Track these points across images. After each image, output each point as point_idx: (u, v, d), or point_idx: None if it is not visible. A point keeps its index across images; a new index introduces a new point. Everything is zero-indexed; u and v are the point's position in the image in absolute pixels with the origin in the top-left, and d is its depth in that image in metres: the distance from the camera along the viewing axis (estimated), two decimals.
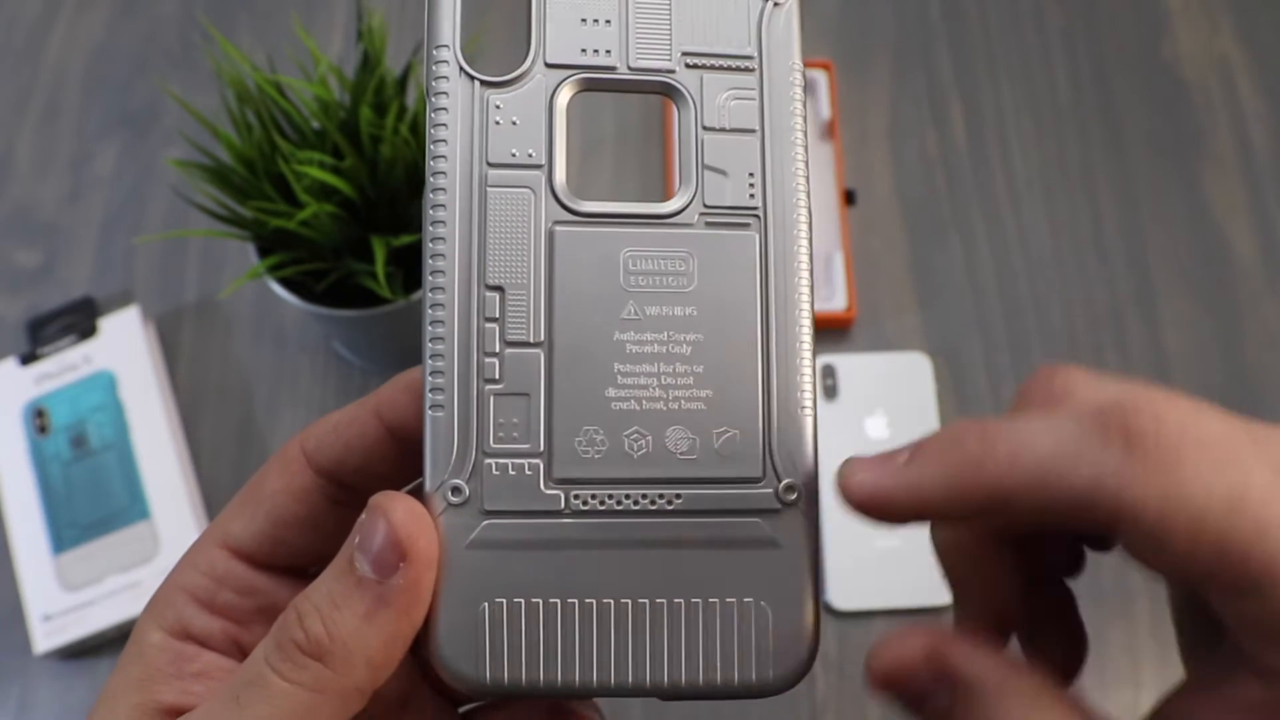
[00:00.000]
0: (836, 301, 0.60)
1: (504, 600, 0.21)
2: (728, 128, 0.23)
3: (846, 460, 0.21)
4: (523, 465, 0.21)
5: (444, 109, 0.22)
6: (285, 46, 0.58)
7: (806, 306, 0.23)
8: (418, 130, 0.48)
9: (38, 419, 0.58)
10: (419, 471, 0.22)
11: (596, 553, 0.22)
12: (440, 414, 0.21)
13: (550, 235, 0.22)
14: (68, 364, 0.59)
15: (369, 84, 0.47)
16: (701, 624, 0.22)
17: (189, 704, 0.23)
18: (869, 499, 0.21)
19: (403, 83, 0.49)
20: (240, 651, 0.24)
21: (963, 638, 0.21)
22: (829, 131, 0.65)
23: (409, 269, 0.51)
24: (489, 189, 0.22)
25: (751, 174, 0.23)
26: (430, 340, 0.21)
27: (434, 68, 0.22)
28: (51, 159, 0.66)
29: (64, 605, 0.54)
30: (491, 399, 0.21)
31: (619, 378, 0.22)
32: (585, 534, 0.22)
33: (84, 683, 0.54)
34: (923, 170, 0.66)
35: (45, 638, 0.53)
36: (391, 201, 0.49)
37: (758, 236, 0.23)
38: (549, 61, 0.23)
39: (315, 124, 0.49)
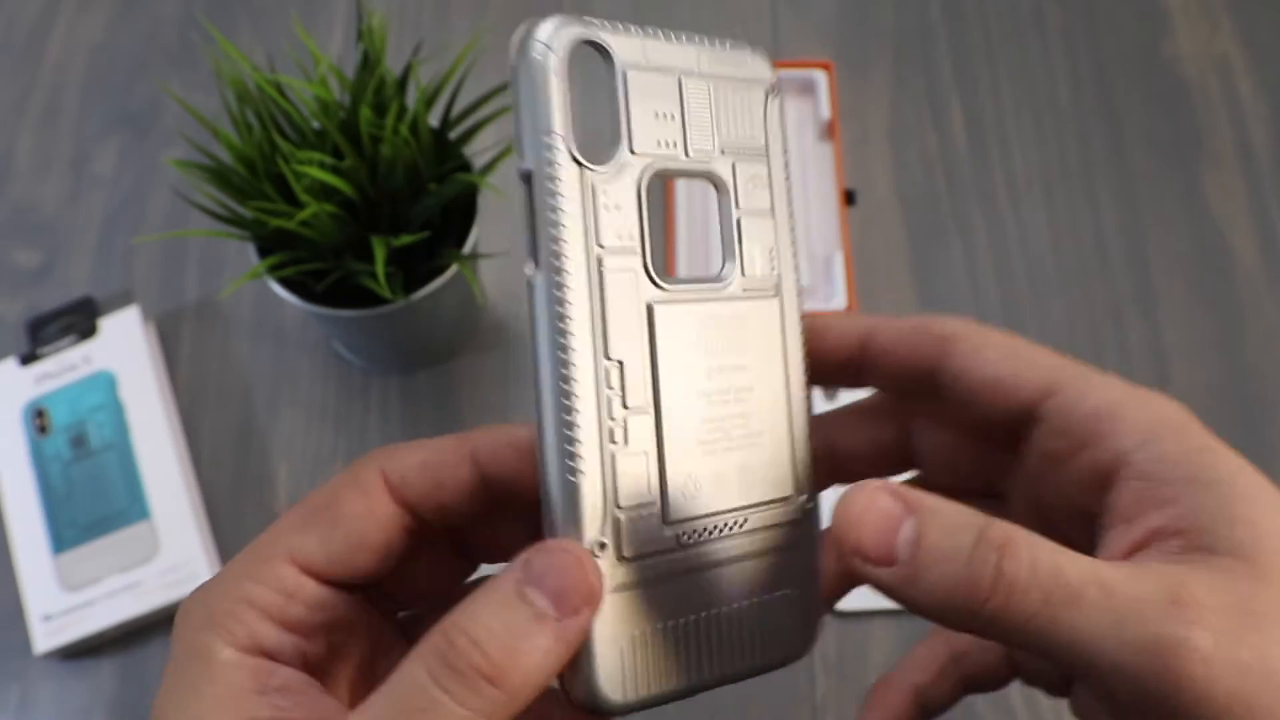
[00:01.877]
0: (836, 301, 0.60)
1: (642, 630, 0.24)
2: (753, 210, 0.27)
3: (845, 503, 0.23)
4: (646, 514, 0.24)
5: (562, 195, 0.25)
6: (285, 46, 0.58)
7: (805, 355, 0.28)
8: (418, 130, 0.48)
9: (38, 419, 0.58)
10: (506, 515, 0.26)
11: (698, 575, 0.25)
12: (581, 478, 0.23)
13: (650, 310, 0.25)
14: (68, 364, 0.59)
15: (369, 84, 0.47)
16: (761, 615, 0.26)
17: (283, 719, 0.23)
18: (862, 574, 0.23)
19: (403, 83, 0.49)
20: (306, 664, 0.24)
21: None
22: (829, 131, 0.65)
23: (409, 269, 0.51)
24: (605, 271, 0.24)
25: (771, 250, 0.27)
26: (565, 412, 0.23)
27: (547, 154, 0.24)
28: (51, 159, 0.66)
29: (64, 605, 0.54)
30: (618, 460, 0.24)
31: (704, 429, 0.25)
32: (691, 562, 0.25)
33: (84, 683, 0.54)
34: (923, 170, 0.66)
35: (45, 638, 0.53)
36: (392, 201, 0.49)
37: (779, 302, 0.27)
38: (634, 150, 0.25)
39: (315, 124, 0.49)
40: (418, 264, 0.51)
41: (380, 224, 0.49)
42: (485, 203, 0.52)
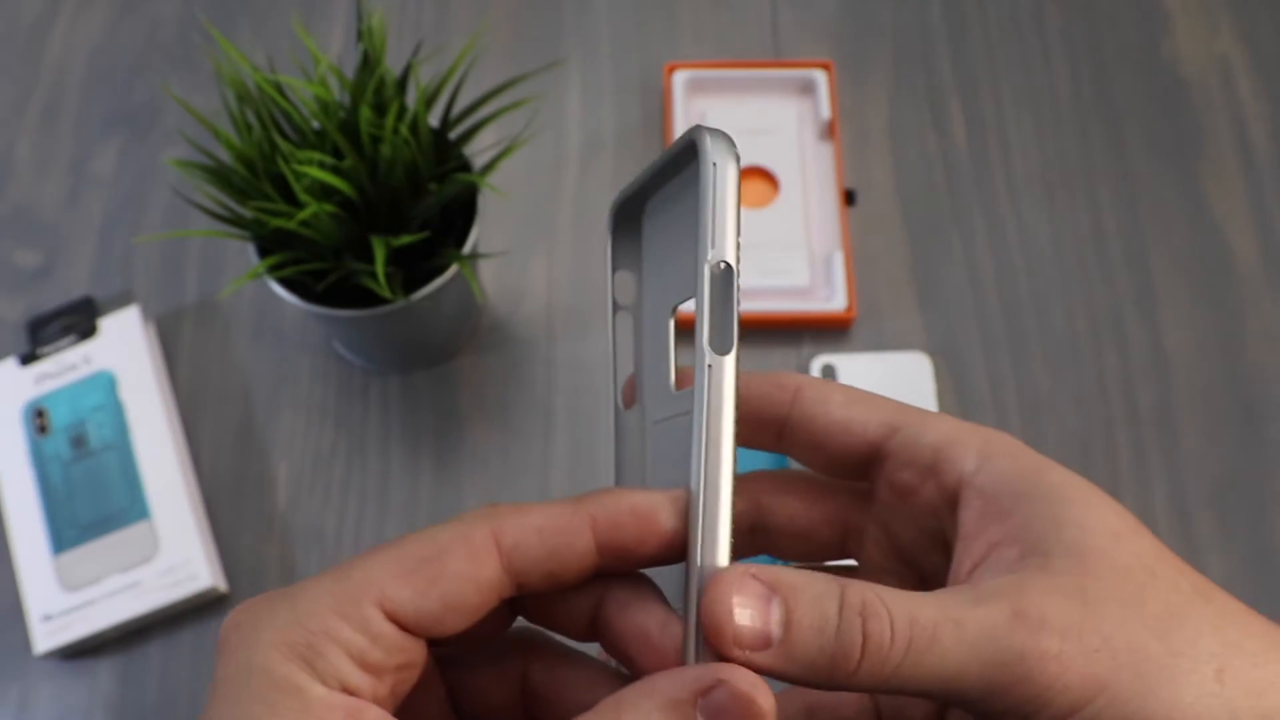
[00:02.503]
0: (836, 301, 0.60)
1: None
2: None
3: (714, 590, 0.23)
4: None
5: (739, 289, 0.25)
6: (285, 46, 0.58)
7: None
8: (418, 130, 0.48)
9: (38, 419, 0.58)
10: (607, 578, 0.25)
11: None
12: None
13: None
14: (67, 364, 0.59)
15: (369, 84, 0.47)
16: None
17: None
18: (741, 661, 0.23)
19: (403, 83, 0.49)
20: (380, 700, 0.24)
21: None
22: (829, 131, 0.65)
23: (409, 269, 0.51)
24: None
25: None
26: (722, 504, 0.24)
27: (739, 253, 0.25)
28: (51, 159, 0.66)
29: (64, 605, 0.54)
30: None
31: None
32: None
33: (84, 683, 0.54)
34: (923, 170, 0.66)
35: (45, 638, 0.53)
36: (392, 201, 0.49)
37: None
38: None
39: (315, 124, 0.49)
40: (418, 264, 0.51)
41: (380, 224, 0.49)
42: (485, 202, 0.52)
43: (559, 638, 0.28)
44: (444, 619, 0.24)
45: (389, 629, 0.24)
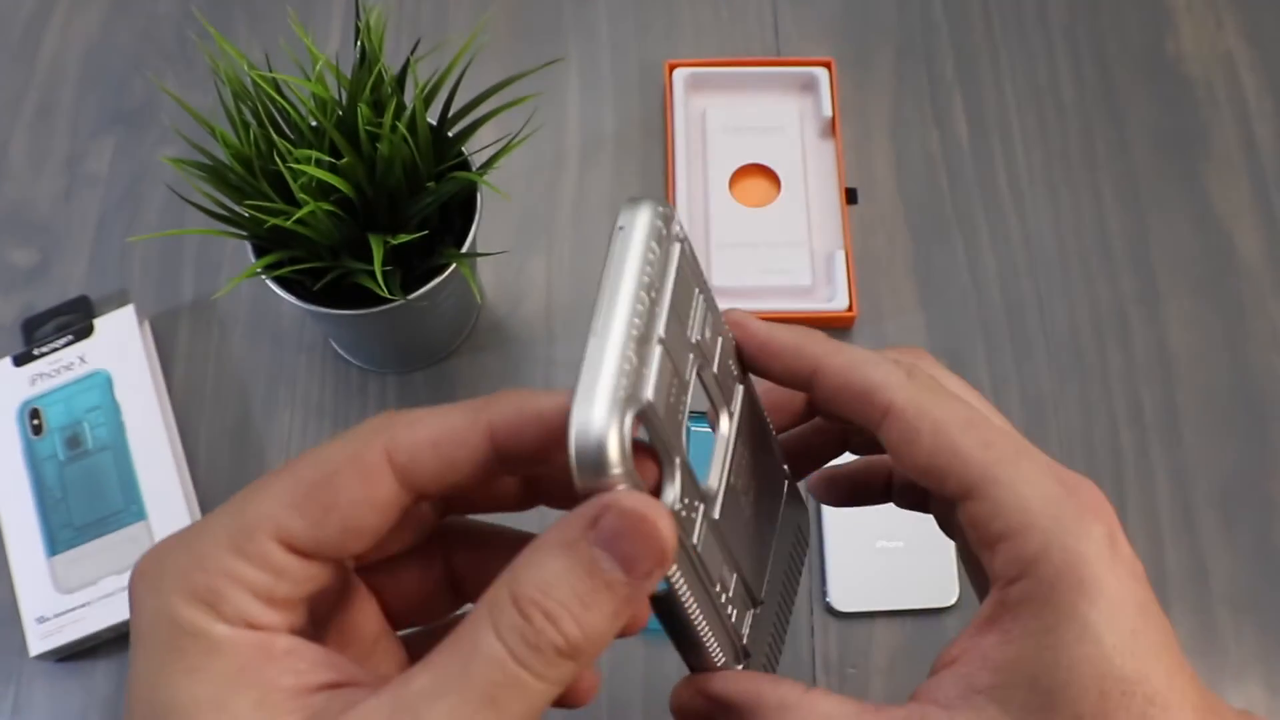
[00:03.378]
0: (838, 301, 0.60)
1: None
2: None
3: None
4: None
5: None
6: (282, 44, 0.58)
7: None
8: (416, 128, 0.47)
9: (33, 419, 0.57)
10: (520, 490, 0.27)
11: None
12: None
13: None
14: (63, 364, 0.58)
15: (367, 81, 0.46)
16: None
17: (307, 684, 0.22)
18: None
19: (401, 80, 0.48)
20: (295, 626, 0.24)
21: (719, 675, 0.27)
22: (830, 130, 0.65)
23: (407, 268, 0.50)
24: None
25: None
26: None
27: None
28: (46, 157, 0.66)
29: (59, 607, 0.53)
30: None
31: None
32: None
33: (79, 685, 0.54)
34: (925, 168, 0.65)
35: (40, 640, 0.53)
36: (389, 200, 0.49)
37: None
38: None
39: (312, 122, 0.49)
40: (416, 263, 0.51)
41: (378, 222, 0.49)
42: (484, 201, 0.52)
43: (475, 518, 0.28)
44: (345, 543, 0.23)
45: (291, 560, 0.23)
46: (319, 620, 0.25)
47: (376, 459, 0.23)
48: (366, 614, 0.27)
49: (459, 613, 0.30)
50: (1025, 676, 0.24)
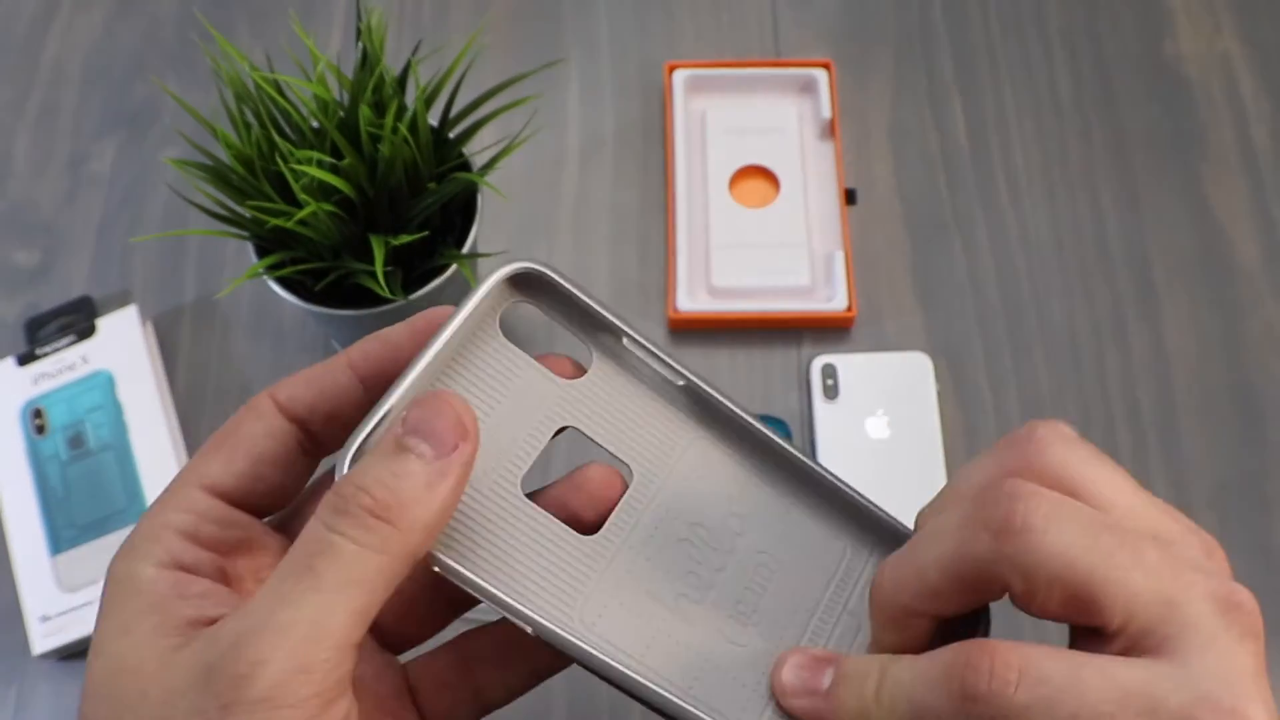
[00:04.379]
0: (837, 301, 0.60)
1: None
2: None
3: (779, 666, 0.27)
4: None
5: None
6: (284, 45, 0.58)
7: None
8: (417, 129, 0.48)
9: (35, 419, 0.57)
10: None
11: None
12: None
13: None
14: (65, 364, 0.58)
15: (368, 82, 0.46)
16: None
17: (210, 617, 0.24)
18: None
19: (402, 81, 0.49)
20: (227, 579, 0.27)
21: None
22: (829, 131, 0.65)
23: (408, 268, 0.51)
24: None
25: None
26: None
27: None
28: (49, 158, 0.66)
29: (62, 606, 0.54)
30: None
31: None
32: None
33: (81, 684, 0.54)
34: (924, 169, 0.65)
35: (43, 638, 0.53)
36: (391, 200, 0.49)
37: None
38: None
39: (314, 123, 0.49)
40: (417, 263, 0.51)
41: (379, 223, 0.49)
42: (485, 202, 0.52)
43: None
44: (259, 475, 0.27)
45: (215, 503, 0.26)
46: (260, 576, 0.27)
47: (264, 402, 0.27)
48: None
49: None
50: None
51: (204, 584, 0.25)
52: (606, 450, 0.29)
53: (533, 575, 0.27)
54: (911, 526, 0.29)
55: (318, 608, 0.22)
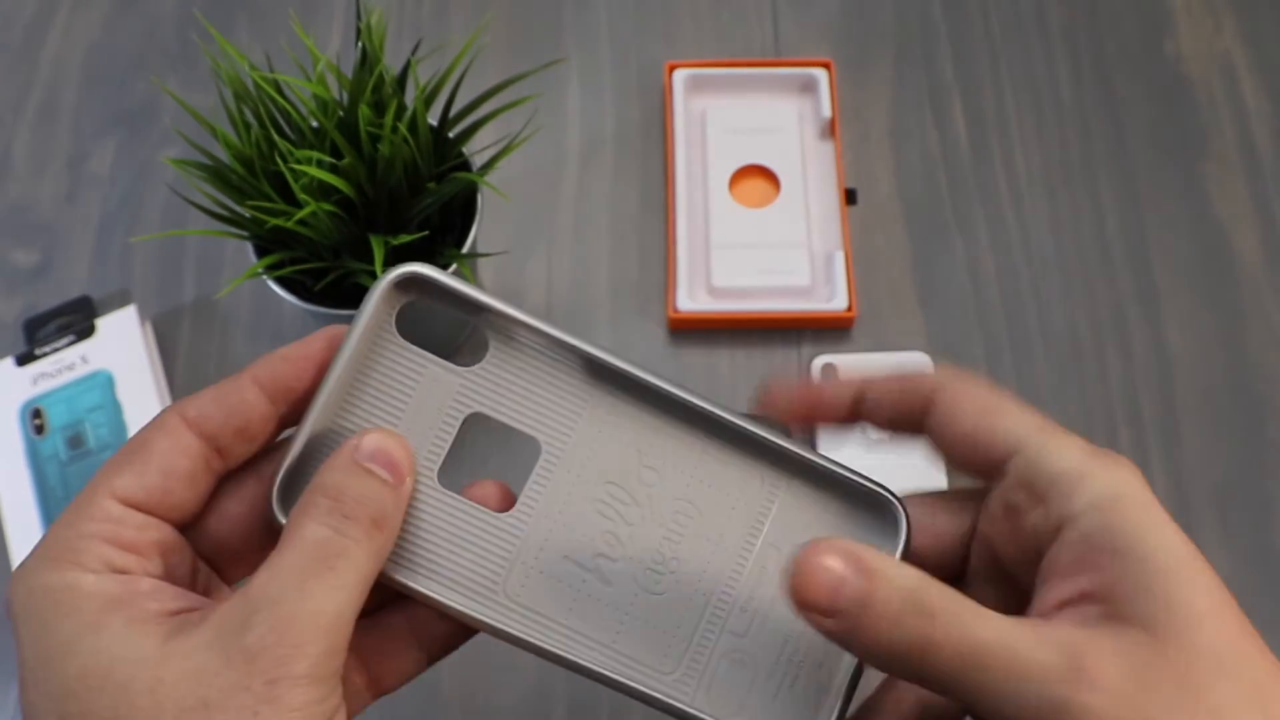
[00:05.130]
0: (837, 301, 0.60)
1: None
2: None
3: (804, 561, 0.26)
4: None
5: None
6: (283, 44, 0.58)
7: None
8: (417, 129, 0.48)
9: (34, 419, 0.57)
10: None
11: None
12: None
13: None
14: (65, 364, 0.58)
15: (368, 82, 0.46)
16: None
17: (171, 609, 0.26)
18: (815, 625, 0.27)
19: (401, 81, 0.49)
20: (163, 577, 0.27)
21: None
22: (829, 131, 0.65)
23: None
24: None
25: None
26: None
27: None
28: (48, 158, 0.66)
29: None
30: None
31: None
32: None
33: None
34: (924, 169, 0.65)
35: None
36: (390, 200, 0.49)
37: None
38: None
39: (313, 122, 0.49)
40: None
41: (379, 223, 0.49)
42: (485, 202, 0.52)
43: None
44: (168, 488, 0.28)
45: (129, 512, 0.27)
46: (179, 579, 0.29)
47: (173, 420, 0.28)
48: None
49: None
50: (1134, 592, 0.26)
51: (147, 582, 0.27)
52: (513, 428, 0.30)
53: (456, 561, 0.29)
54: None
55: (340, 602, 0.26)
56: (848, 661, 0.29)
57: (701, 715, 0.29)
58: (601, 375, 0.30)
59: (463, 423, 0.30)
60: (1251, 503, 0.57)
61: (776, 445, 0.30)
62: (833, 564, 0.26)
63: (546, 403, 0.30)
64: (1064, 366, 0.60)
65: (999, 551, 0.30)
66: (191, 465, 0.28)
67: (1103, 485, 0.27)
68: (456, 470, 0.30)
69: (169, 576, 0.28)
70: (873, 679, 0.31)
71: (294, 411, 0.29)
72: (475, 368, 0.30)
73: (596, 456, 0.30)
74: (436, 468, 0.30)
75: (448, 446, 0.30)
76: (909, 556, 0.30)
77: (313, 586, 0.25)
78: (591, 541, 0.30)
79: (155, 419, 0.28)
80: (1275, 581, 0.56)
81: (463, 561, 0.29)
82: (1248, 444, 0.58)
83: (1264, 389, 0.60)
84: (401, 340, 0.30)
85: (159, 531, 0.28)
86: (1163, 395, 0.59)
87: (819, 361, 0.59)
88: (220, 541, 0.29)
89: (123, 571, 0.26)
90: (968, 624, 0.25)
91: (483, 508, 0.30)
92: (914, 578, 0.26)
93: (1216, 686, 0.25)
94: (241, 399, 0.28)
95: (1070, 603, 0.27)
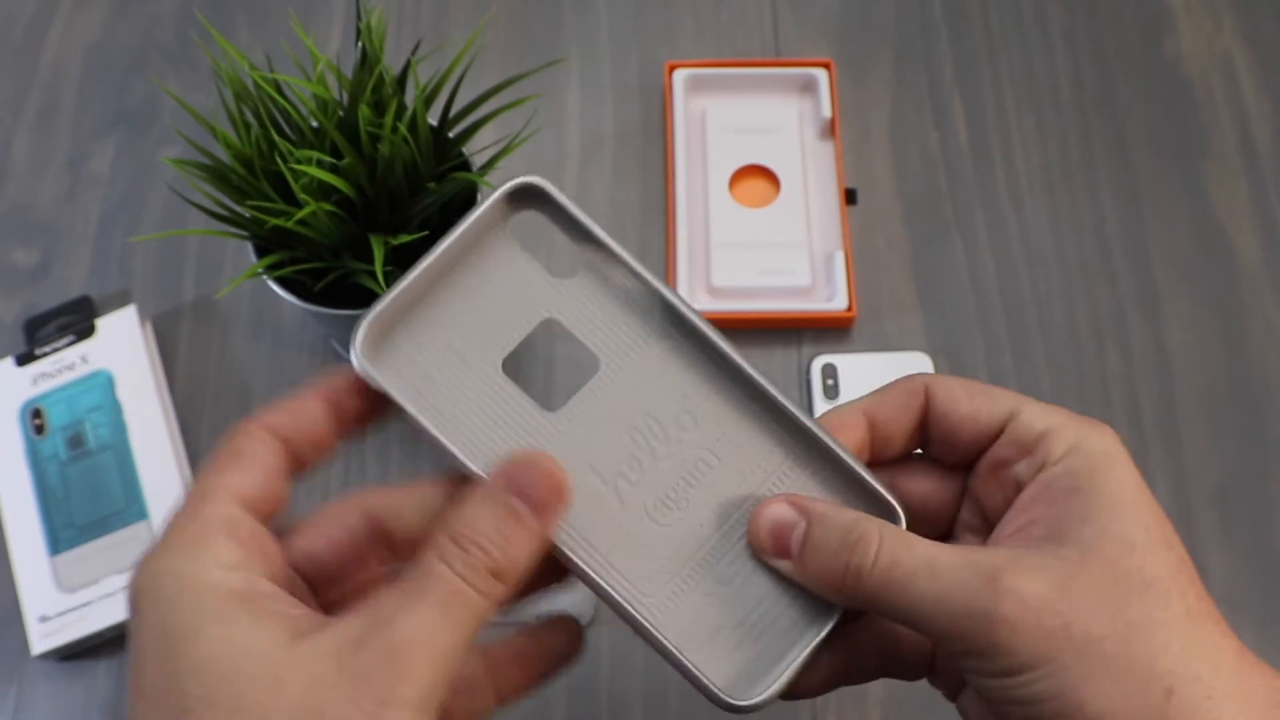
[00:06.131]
0: (837, 301, 0.60)
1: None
2: None
3: (759, 509, 0.31)
4: None
5: None
6: (283, 44, 0.58)
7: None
8: (417, 129, 0.48)
9: (35, 419, 0.57)
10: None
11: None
12: None
13: None
14: (65, 364, 0.58)
15: (367, 82, 0.46)
16: None
17: (292, 614, 0.27)
18: (770, 560, 0.31)
19: (401, 81, 0.49)
20: (273, 580, 0.28)
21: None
22: (829, 130, 0.65)
23: (408, 268, 0.51)
24: None
25: None
26: None
27: None
28: (48, 158, 0.66)
29: (61, 606, 0.54)
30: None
31: None
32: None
33: (81, 684, 0.54)
34: (924, 169, 0.65)
35: (42, 639, 0.53)
36: (390, 200, 0.49)
37: None
38: None
39: (313, 122, 0.49)
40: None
41: (379, 223, 0.49)
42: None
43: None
44: (269, 486, 0.29)
45: (244, 513, 0.29)
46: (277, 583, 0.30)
47: (257, 428, 0.30)
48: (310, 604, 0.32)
49: None
50: (1076, 520, 0.29)
51: (265, 584, 0.28)
52: (580, 341, 0.32)
53: (494, 439, 0.31)
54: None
55: (451, 642, 0.27)
56: (809, 638, 0.31)
57: (664, 641, 0.30)
58: (673, 321, 0.32)
59: (539, 324, 0.32)
60: (1251, 503, 0.57)
61: (807, 428, 0.32)
62: (782, 512, 0.31)
63: (617, 329, 0.32)
64: (1064, 366, 0.60)
65: (984, 504, 0.32)
66: (284, 466, 0.30)
67: (1081, 439, 0.30)
68: (519, 363, 0.32)
69: (281, 577, 0.29)
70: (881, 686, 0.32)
71: (351, 427, 0.31)
72: (566, 281, 0.32)
73: (645, 389, 0.32)
74: (503, 357, 0.32)
75: (519, 340, 0.32)
76: None
77: (430, 622, 0.26)
78: (617, 461, 0.32)
79: (238, 428, 0.30)
80: (1275, 581, 0.56)
81: (500, 440, 0.31)
82: (1248, 443, 0.58)
83: (1263, 388, 0.60)
84: (510, 238, 0.32)
85: (266, 537, 0.29)
86: (1162, 395, 0.59)
87: (819, 361, 0.59)
88: (316, 557, 0.31)
89: (243, 569, 0.27)
90: (897, 551, 0.29)
91: (533, 402, 0.32)
92: (850, 517, 0.30)
93: (1139, 604, 0.27)
94: (307, 409, 0.30)
95: (1020, 529, 0.30)
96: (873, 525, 0.29)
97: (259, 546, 0.29)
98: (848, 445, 0.32)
